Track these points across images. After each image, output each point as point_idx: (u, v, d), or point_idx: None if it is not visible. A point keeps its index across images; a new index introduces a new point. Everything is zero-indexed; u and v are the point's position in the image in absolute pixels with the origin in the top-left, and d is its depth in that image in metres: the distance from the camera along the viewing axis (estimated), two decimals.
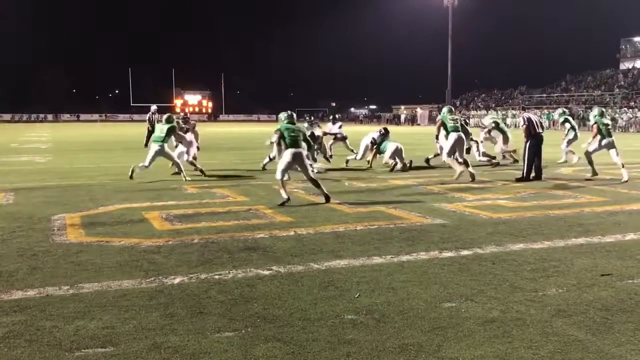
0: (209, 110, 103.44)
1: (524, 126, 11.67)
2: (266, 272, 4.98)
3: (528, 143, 11.62)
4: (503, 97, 73.07)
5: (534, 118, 11.99)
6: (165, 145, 11.64)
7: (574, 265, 5.28)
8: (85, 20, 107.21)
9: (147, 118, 13.48)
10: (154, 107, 21.00)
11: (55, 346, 3.39)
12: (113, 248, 5.85)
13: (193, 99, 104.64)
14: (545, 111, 49.16)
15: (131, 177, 11.42)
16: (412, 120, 73.39)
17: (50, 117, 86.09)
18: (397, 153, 13.51)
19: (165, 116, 12.40)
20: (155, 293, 4.41)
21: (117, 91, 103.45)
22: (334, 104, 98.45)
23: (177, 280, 4.73)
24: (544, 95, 66.91)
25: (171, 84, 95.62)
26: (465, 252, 5.72)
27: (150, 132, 13.28)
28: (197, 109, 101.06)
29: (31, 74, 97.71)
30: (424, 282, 4.75)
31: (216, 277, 4.85)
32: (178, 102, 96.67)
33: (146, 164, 11.47)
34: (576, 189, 10.32)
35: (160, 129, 11.82)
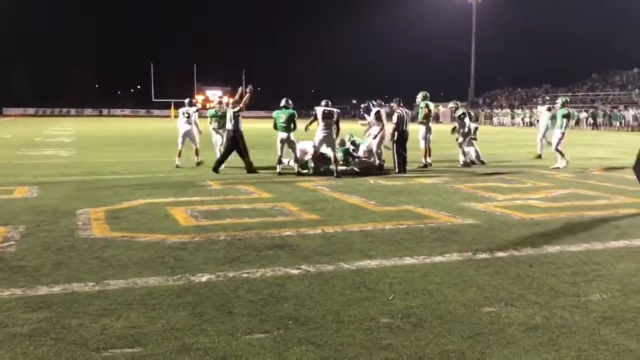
0: None
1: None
2: (295, 271, 4.84)
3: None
4: (527, 96, 72.18)
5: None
6: (292, 134, 12.04)
7: (615, 269, 5.05)
8: (110, 17, 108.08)
9: (185, 112, 13.13)
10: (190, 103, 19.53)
11: (82, 345, 3.27)
12: (138, 244, 5.75)
13: (214, 94, 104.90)
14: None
15: (279, 173, 11.86)
16: (436, 118, 72.76)
17: (73, 111, 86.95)
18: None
19: (282, 101, 12.34)
20: (182, 291, 4.28)
21: (139, 87, 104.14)
22: (354, 101, 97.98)
23: (204, 278, 4.61)
24: (570, 93, 65.96)
25: (193, 79, 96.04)
26: (500, 254, 5.52)
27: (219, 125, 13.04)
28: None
29: (56, 70, 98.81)
30: (459, 284, 4.56)
31: (244, 275, 4.71)
32: (199, 98, 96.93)
33: (280, 153, 12.09)
34: (607, 190, 10.02)
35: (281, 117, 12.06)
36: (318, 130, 11.90)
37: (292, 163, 12.37)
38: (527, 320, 3.79)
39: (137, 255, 5.29)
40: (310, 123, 12.26)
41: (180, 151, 13.38)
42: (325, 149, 11.97)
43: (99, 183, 10.33)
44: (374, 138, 12.94)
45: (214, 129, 13.54)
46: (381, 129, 12.98)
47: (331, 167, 11.74)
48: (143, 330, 3.52)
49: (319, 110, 11.90)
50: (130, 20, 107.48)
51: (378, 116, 13.21)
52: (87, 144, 22.23)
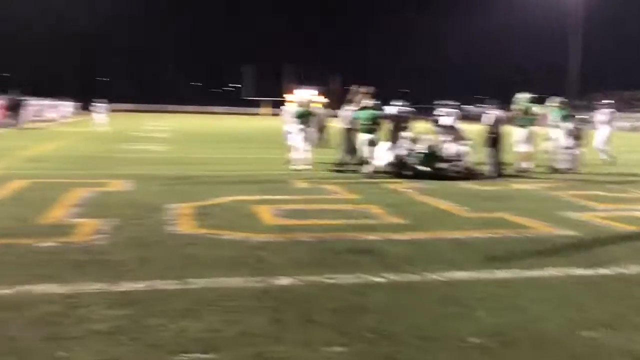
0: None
1: None
2: (379, 280, 4.63)
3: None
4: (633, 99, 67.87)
5: None
6: (375, 135, 11.95)
7: None
8: (204, 17, 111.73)
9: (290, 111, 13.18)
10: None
11: (158, 347, 3.23)
12: (222, 242, 5.73)
13: (304, 94, 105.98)
14: None
15: (365, 173, 11.62)
16: (541, 120, 69.95)
17: (171, 108, 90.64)
18: None
19: (364, 101, 12.35)
20: (262, 294, 4.19)
21: (231, 85, 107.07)
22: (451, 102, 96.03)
23: (284, 282, 4.49)
24: None
25: (282, 79, 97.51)
26: (603, 271, 5.06)
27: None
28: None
29: (156, 68, 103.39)
30: (556, 302, 4.20)
31: (325, 280, 4.55)
32: (289, 98, 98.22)
33: (363, 155, 12.03)
34: None
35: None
36: (392, 131, 11.85)
37: (379, 163, 12.04)
38: (631, 348, 3.40)
39: (220, 254, 5.27)
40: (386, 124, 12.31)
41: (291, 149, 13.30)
42: (399, 150, 11.72)
43: (190, 179, 10.55)
44: (456, 141, 12.45)
45: (300, 128, 13.44)
46: (460, 132, 12.65)
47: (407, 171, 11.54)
48: (220, 334, 3.43)
49: (392, 111, 11.80)
50: (225, 20, 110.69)
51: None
52: (182, 139, 22.98)
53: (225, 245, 5.59)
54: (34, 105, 34.91)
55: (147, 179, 10.21)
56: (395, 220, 7.07)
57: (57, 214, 6.87)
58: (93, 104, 32.59)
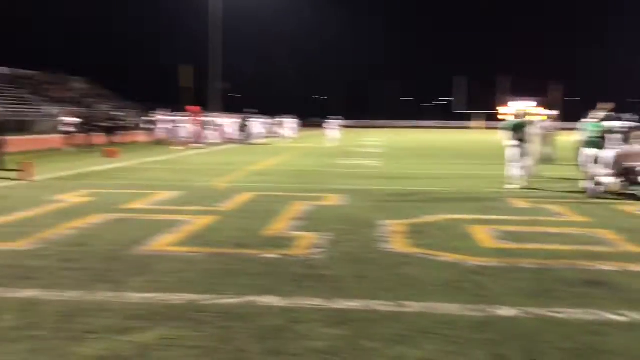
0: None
1: None
2: (617, 318, 4.05)
3: None
4: None
5: None
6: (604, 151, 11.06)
7: None
8: (415, 33, 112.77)
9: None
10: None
11: None
12: (437, 263, 5.53)
13: (520, 106, 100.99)
14: None
15: (590, 191, 10.58)
16: None
17: (383, 123, 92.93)
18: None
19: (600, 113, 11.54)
20: (482, 325, 3.89)
21: (442, 99, 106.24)
22: None
23: (506, 313, 4.14)
24: None
25: (496, 91, 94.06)
26: None
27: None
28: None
29: (367, 84, 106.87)
30: None
31: (554, 315, 4.10)
32: (503, 111, 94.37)
33: (589, 171, 11.10)
34: None
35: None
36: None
37: (607, 181, 10.71)
38: None
39: (436, 276, 5.07)
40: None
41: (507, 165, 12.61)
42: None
43: (402, 194, 10.52)
44: None
45: (516, 142, 12.61)
46: None
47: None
48: None
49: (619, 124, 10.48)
50: (434, 35, 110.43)
51: None
52: (394, 154, 23.23)
53: (441, 267, 5.37)
54: (263, 122, 38.22)
55: (360, 194, 10.40)
56: (634, 248, 6.22)
57: (278, 226, 7.25)
58: (326, 121, 34.44)
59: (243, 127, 31.34)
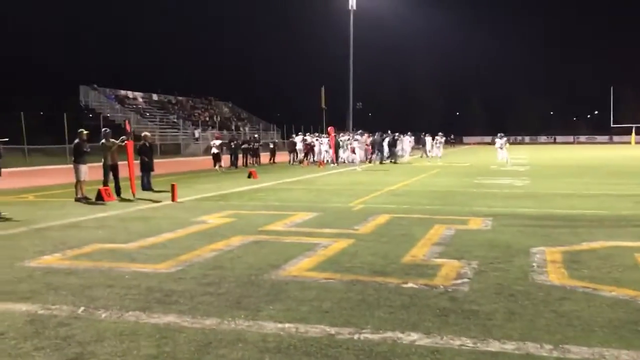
0: None
1: None
2: None
3: None
4: None
5: None
6: None
7: None
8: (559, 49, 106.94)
9: None
10: None
11: None
12: (602, 299, 4.83)
13: None
14: None
15: None
16: None
17: (527, 139, 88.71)
18: None
19: None
20: None
21: (596, 112, 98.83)
22: None
23: None
24: None
25: None
26: None
27: None
28: None
29: (507, 100, 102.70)
30: None
31: None
32: None
33: None
34: None
35: None
36: None
37: None
38: None
39: (602, 315, 4.40)
40: None
41: None
42: None
43: (554, 218, 9.63)
44: None
45: None
46: None
47: None
48: None
49: None
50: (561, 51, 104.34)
51: None
52: (541, 172, 21.73)
53: (608, 305, 4.68)
54: (408, 140, 37.91)
55: (506, 217, 9.66)
56: None
57: (418, 252, 6.84)
58: (496, 139, 32.99)
59: (388, 146, 31.02)
